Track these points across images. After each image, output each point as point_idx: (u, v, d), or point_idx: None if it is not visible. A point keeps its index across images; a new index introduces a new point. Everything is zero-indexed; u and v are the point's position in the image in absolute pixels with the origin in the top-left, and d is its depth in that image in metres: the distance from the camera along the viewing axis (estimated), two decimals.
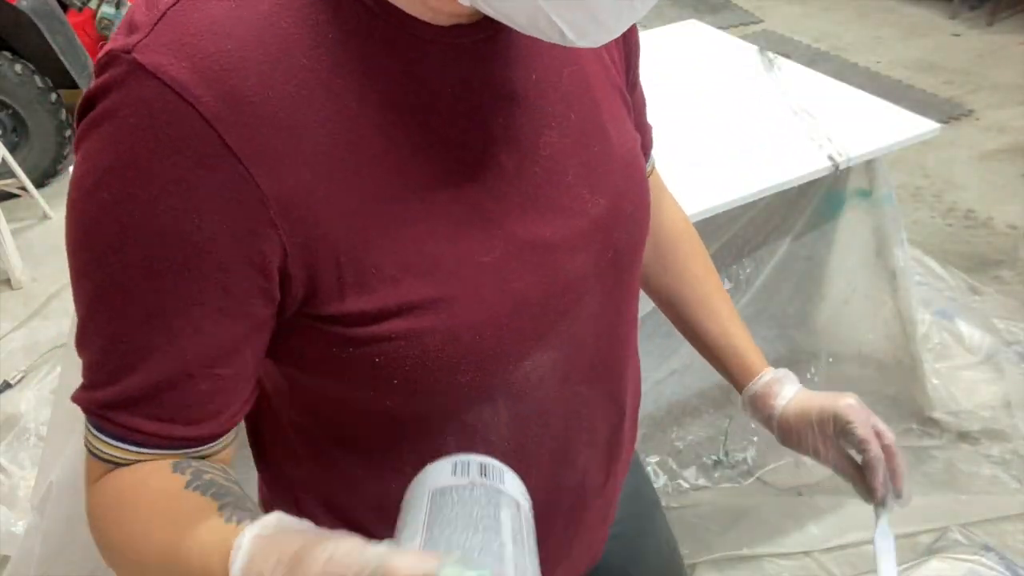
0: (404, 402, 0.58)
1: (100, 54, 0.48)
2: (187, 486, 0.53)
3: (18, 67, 3.11)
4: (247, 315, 0.52)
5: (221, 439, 0.56)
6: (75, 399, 0.55)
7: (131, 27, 0.48)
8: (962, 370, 2.18)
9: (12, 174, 2.98)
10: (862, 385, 2.01)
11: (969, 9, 4.45)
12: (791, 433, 0.82)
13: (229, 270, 0.50)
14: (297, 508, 0.69)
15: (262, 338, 0.54)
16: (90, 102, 0.49)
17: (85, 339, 0.53)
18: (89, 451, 0.56)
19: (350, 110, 0.51)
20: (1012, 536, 1.83)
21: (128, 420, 0.53)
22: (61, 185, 3.30)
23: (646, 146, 0.80)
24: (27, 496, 1.87)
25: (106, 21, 3.32)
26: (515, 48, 0.58)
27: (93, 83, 0.49)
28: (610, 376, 0.71)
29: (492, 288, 0.56)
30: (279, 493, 0.73)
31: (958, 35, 4.31)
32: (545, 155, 0.59)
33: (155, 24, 0.47)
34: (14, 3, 3.02)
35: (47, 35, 3.12)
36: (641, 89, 0.78)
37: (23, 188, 3.06)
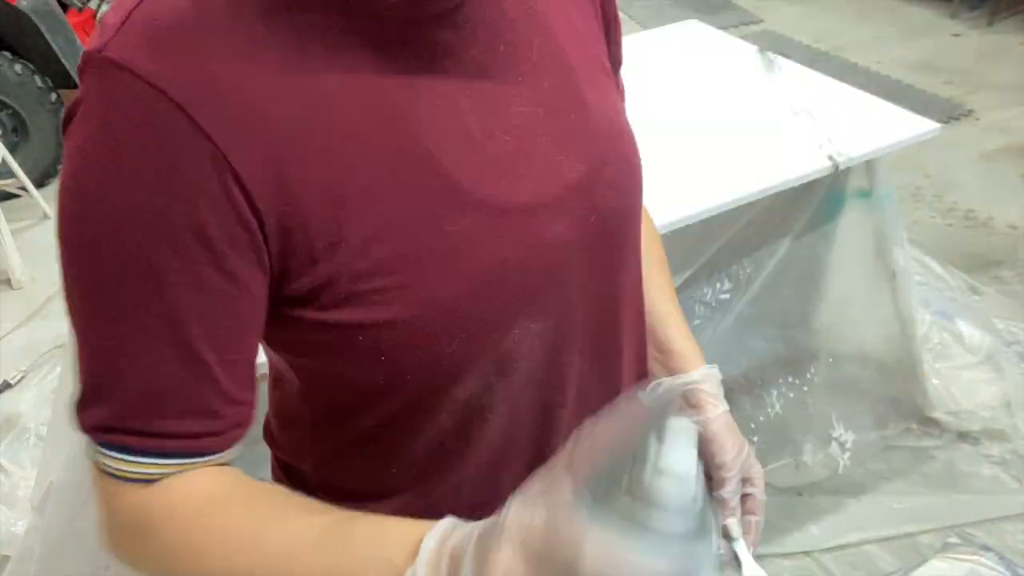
0: (395, 380, 0.59)
1: (82, 59, 0.51)
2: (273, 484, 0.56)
3: (18, 67, 3.11)
4: (245, 292, 0.52)
5: (237, 444, 0.57)
6: (84, 426, 0.54)
7: (102, 30, 0.51)
8: (962, 370, 2.18)
9: (12, 174, 2.98)
10: (862, 385, 2.01)
11: (969, 9, 4.45)
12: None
13: (218, 249, 0.50)
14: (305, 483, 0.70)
15: (261, 318, 0.55)
16: (71, 108, 0.51)
17: (85, 353, 0.53)
18: (108, 474, 0.55)
19: (318, 86, 0.52)
20: (1012, 536, 1.83)
21: (154, 425, 0.53)
22: None
23: None
24: (27, 496, 1.87)
25: None
26: (481, 22, 0.58)
27: (79, 74, 0.51)
28: (604, 350, 0.70)
29: (467, 256, 0.56)
30: (290, 470, 0.73)
31: (958, 35, 4.31)
32: (516, 124, 0.59)
33: (123, 23, 0.50)
34: (14, 3, 3.02)
35: (47, 35, 3.12)
36: (617, 56, 0.75)
37: (23, 188, 3.06)
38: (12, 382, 2.36)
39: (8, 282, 2.76)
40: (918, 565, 1.03)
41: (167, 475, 0.55)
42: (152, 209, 0.49)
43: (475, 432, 0.64)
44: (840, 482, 1.95)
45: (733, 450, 0.74)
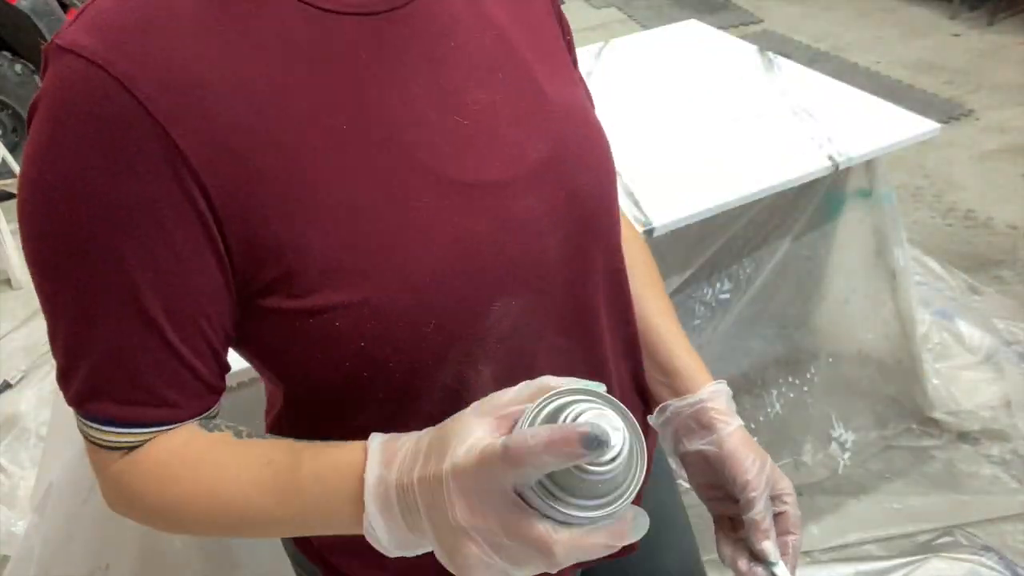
0: (379, 368, 0.59)
1: (45, 52, 0.53)
2: (240, 435, 0.59)
3: (18, 67, 3.12)
4: (203, 272, 0.54)
5: (213, 408, 0.61)
6: (68, 399, 0.57)
7: (71, 22, 0.53)
8: (962, 370, 2.18)
9: (12, 174, 2.98)
10: (862, 385, 2.01)
11: (969, 9, 4.45)
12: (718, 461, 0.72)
13: (169, 227, 0.52)
14: None
15: (225, 303, 0.56)
16: (32, 104, 0.53)
17: (59, 332, 0.56)
18: (97, 444, 0.58)
19: (269, 74, 0.53)
20: (1012, 536, 1.83)
21: (129, 395, 0.56)
22: None
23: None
24: (27, 496, 1.87)
25: None
26: (432, 20, 0.60)
27: (45, 75, 0.53)
28: (584, 327, 0.69)
29: (437, 231, 0.57)
30: None
31: (958, 35, 4.31)
32: (474, 109, 0.60)
33: (76, 18, 0.52)
34: (14, 3, 3.02)
35: (47, 35, 3.12)
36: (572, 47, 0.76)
37: None
38: (12, 382, 2.36)
39: (8, 282, 2.76)
40: (918, 565, 1.03)
41: (147, 442, 0.58)
42: (99, 186, 0.50)
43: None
44: (840, 482, 1.95)
45: (755, 467, 0.69)
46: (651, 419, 0.77)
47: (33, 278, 0.55)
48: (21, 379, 2.37)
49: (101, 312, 0.53)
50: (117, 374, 0.55)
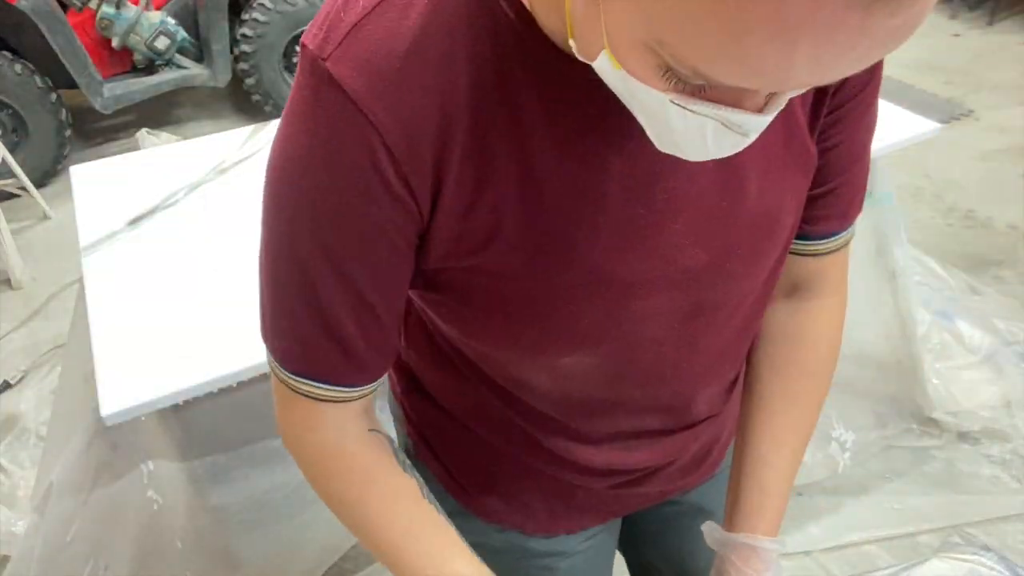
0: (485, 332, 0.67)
1: (304, 42, 0.56)
2: (423, 495, 0.69)
3: (18, 67, 3.12)
4: (405, 263, 0.61)
5: (378, 380, 0.68)
6: (268, 345, 0.67)
7: (327, 32, 0.54)
8: (962, 370, 2.18)
9: (12, 174, 2.99)
10: (862, 385, 2.01)
11: (969, 9, 4.45)
12: None
13: (388, 243, 0.59)
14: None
15: (404, 294, 0.65)
16: (297, 87, 0.56)
17: (273, 299, 0.64)
18: (281, 381, 0.66)
19: (493, 133, 0.55)
20: (1012, 536, 1.83)
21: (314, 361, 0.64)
22: (61, 185, 3.30)
23: (841, 215, 0.72)
24: (27, 496, 1.88)
25: (106, 21, 3.32)
26: None
27: (298, 68, 0.56)
28: (670, 394, 0.74)
29: (558, 311, 0.62)
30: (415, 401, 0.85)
31: (958, 35, 4.31)
32: (659, 199, 0.59)
33: (345, 37, 0.54)
34: (14, 3, 3.02)
35: (47, 35, 3.12)
36: (853, 149, 0.69)
37: (23, 188, 3.06)
38: (12, 382, 2.36)
39: (8, 282, 2.76)
40: (918, 565, 1.03)
41: (321, 397, 0.66)
42: (338, 205, 0.56)
43: (525, 396, 0.74)
44: (840, 482, 1.95)
45: None
46: (704, 527, 0.79)
47: (264, 247, 0.62)
48: (21, 379, 2.38)
49: (320, 291, 0.60)
50: (322, 343, 0.63)
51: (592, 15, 0.44)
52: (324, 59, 0.54)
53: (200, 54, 3.61)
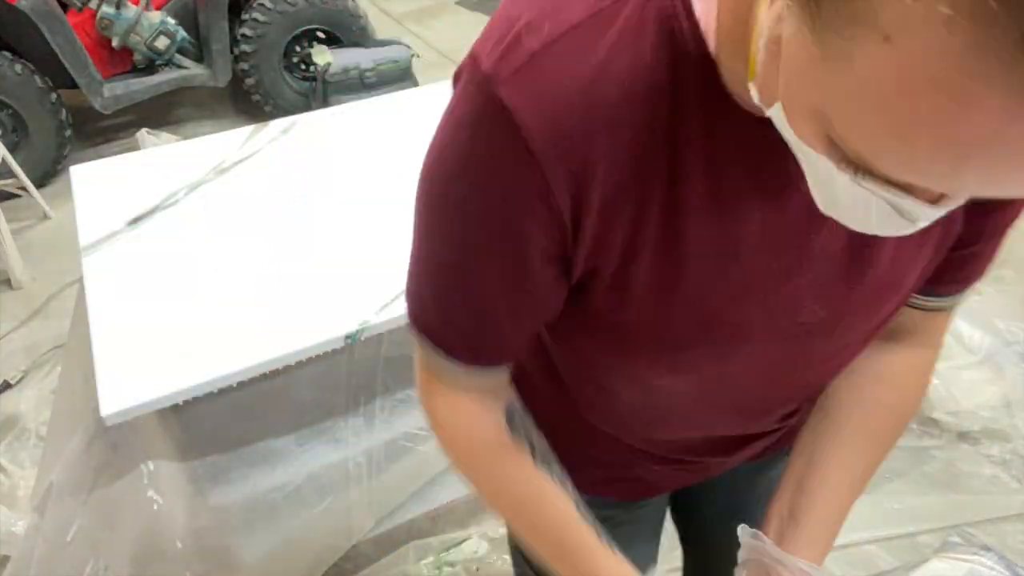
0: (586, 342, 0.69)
1: (472, 56, 0.54)
2: (579, 516, 0.71)
3: (18, 67, 3.11)
4: (550, 293, 0.62)
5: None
6: (412, 319, 0.67)
7: (506, 50, 0.52)
8: (962, 370, 2.18)
9: (12, 174, 2.99)
10: None
11: None
12: None
13: (541, 263, 0.59)
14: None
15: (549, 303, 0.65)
16: (463, 97, 0.55)
17: (427, 279, 0.64)
18: (420, 345, 0.68)
19: (655, 173, 0.54)
20: (1012, 536, 1.83)
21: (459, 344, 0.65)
22: (61, 185, 3.30)
23: (965, 279, 0.71)
24: (27, 496, 1.88)
25: (106, 21, 3.32)
26: None
27: (465, 76, 0.54)
28: (749, 411, 0.76)
29: (666, 343, 0.62)
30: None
31: None
32: (796, 246, 0.58)
33: (524, 64, 0.51)
34: (14, 3, 3.03)
35: (47, 35, 3.12)
36: (1002, 220, 0.67)
37: (23, 188, 3.06)
38: (12, 382, 2.36)
39: (8, 282, 2.76)
40: (918, 565, 1.03)
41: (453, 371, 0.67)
42: (499, 227, 0.57)
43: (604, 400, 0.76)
44: None
45: None
46: (740, 532, 0.75)
47: (422, 234, 0.62)
48: (21, 379, 2.38)
49: (470, 288, 0.61)
50: (468, 324, 0.64)
51: (772, 67, 0.41)
52: (498, 81, 0.51)
53: (200, 54, 3.61)
